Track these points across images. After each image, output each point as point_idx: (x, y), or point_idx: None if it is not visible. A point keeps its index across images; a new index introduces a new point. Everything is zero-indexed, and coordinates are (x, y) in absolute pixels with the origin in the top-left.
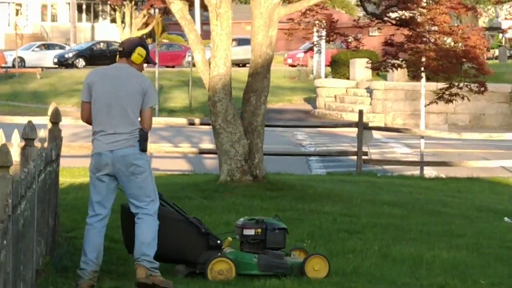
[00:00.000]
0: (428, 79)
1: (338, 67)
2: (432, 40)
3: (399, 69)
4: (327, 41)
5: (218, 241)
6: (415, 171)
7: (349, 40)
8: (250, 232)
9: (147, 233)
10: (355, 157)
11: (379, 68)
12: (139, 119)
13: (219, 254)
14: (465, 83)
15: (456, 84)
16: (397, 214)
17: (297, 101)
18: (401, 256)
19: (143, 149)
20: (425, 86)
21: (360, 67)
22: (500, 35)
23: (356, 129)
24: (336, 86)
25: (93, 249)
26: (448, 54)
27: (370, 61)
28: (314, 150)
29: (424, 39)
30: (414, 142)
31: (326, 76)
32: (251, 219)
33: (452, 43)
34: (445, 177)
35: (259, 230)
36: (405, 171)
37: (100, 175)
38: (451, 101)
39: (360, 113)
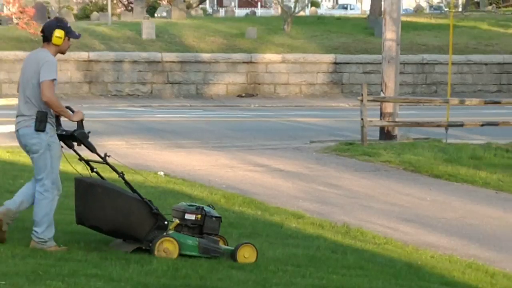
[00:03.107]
0: None
1: None
2: None
3: None
4: None
5: (166, 222)
6: None
7: None
8: (191, 217)
9: (36, 211)
10: None
11: None
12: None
13: (165, 234)
14: None
15: None
16: None
17: None
18: None
19: (38, 129)
20: None
21: None
22: None
23: None
24: None
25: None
26: None
27: None
28: None
29: None
30: None
31: None
32: (191, 205)
33: None
34: None
35: (199, 216)
36: None
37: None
38: None
39: None
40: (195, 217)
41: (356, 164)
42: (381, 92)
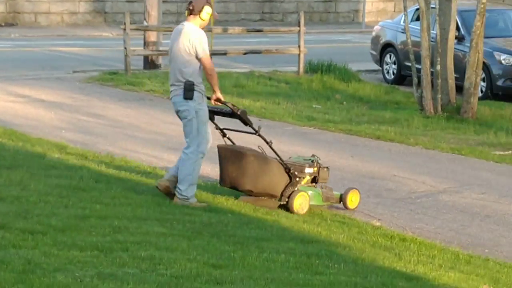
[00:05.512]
0: None
1: None
2: None
3: None
4: None
5: (297, 179)
6: None
7: None
8: (310, 170)
9: (181, 171)
10: None
11: None
12: (193, 71)
13: (296, 189)
14: None
15: None
16: None
17: None
18: None
19: (186, 97)
20: None
21: None
22: None
23: None
24: None
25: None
26: None
27: None
28: None
29: None
30: None
31: None
32: (306, 159)
33: None
34: None
35: (315, 169)
36: None
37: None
38: None
39: None
40: (313, 170)
41: (120, 93)
42: (144, 21)
